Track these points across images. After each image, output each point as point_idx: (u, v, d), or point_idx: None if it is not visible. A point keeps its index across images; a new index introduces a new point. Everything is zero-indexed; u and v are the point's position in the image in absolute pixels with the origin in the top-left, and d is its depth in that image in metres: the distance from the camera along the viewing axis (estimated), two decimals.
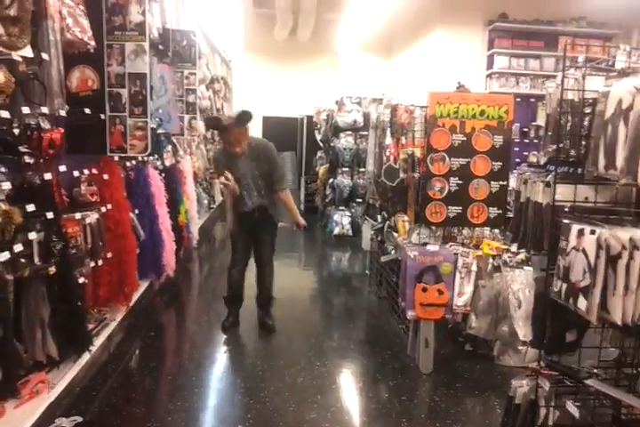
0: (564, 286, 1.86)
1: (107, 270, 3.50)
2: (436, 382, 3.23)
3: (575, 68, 2.07)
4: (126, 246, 3.67)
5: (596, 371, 2.05)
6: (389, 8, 8.17)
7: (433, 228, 3.60)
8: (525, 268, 3.31)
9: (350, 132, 7.59)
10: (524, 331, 3.21)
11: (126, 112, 3.54)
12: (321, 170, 8.57)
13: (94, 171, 3.44)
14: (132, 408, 2.82)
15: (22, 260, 2.48)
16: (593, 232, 1.73)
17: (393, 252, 4.05)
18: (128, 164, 4.08)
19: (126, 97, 3.51)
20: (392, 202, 4.41)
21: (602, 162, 1.82)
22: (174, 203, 5.01)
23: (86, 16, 3.02)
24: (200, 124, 6.66)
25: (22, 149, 2.52)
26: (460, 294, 3.36)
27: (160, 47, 4.84)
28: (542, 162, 2.42)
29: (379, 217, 5.02)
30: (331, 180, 7.80)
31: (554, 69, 7.54)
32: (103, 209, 3.39)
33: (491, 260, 3.37)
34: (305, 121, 9.98)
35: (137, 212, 4.02)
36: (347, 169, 7.59)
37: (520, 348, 3.36)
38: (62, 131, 2.75)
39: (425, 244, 3.47)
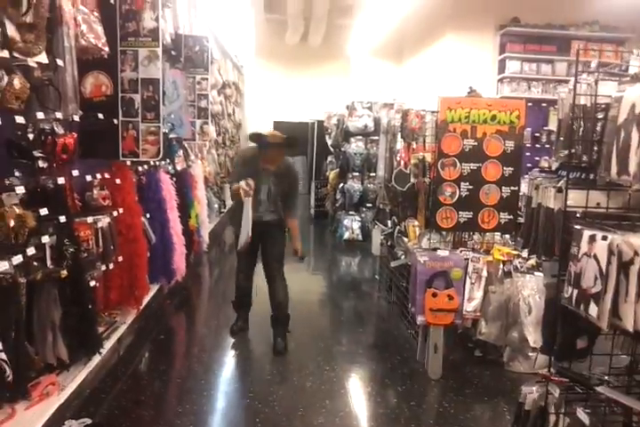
0: (575, 292, 1.85)
1: (118, 274, 3.52)
2: (445, 388, 3.21)
3: (588, 73, 2.06)
4: (137, 250, 3.70)
5: (606, 378, 2.03)
6: (400, 13, 8.18)
7: (443, 233, 3.59)
8: (536, 273, 3.29)
9: (361, 137, 7.59)
10: (534, 337, 3.18)
11: (139, 117, 3.56)
12: (331, 174, 8.58)
13: (106, 175, 3.47)
14: (141, 411, 2.83)
15: (35, 263, 2.51)
16: (605, 238, 1.72)
17: (403, 257, 4.05)
18: (140, 168, 4.11)
19: (139, 102, 3.54)
20: (402, 207, 4.40)
21: (614, 168, 1.80)
22: (185, 207, 5.04)
23: (100, 22, 3.05)
24: (211, 129, 6.71)
25: (36, 153, 2.55)
26: (470, 300, 3.34)
27: (172, 53, 4.89)
28: (554, 167, 2.40)
29: (389, 222, 5.02)
30: (341, 184, 7.81)
31: (566, 74, 7.50)
32: (115, 213, 3.42)
33: (501, 265, 3.35)
34: (316, 126, 10.01)
35: (148, 216, 4.05)
36: (357, 174, 7.59)
37: (530, 354, 3.33)
38: (76, 136, 2.78)
39: (435, 249, 3.46)
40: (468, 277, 3.34)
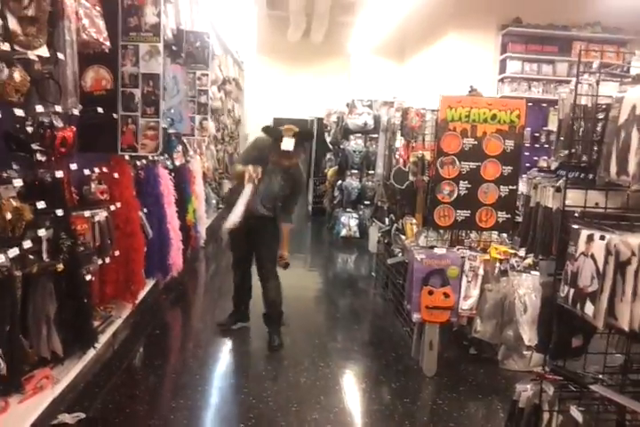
0: (572, 291, 1.85)
1: (114, 268, 3.52)
2: (439, 386, 3.22)
3: (589, 73, 2.06)
4: (134, 245, 3.69)
5: (601, 377, 2.03)
6: (403, 12, 8.17)
7: (441, 231, 3.60)
8: (532, 272, 3.30)
9: (360, 135, 7.60)
10: (529, 335, 3.19)
11: (139, 112, 3.56)
12: (330, 172, 8.58)
13: (105, 169, 3.46)
14: (136, 406, 2.83)
15: (31, 256, 2.50)
16: (602, 238, 1.72)
17: (400, 254, 4.05)
18: (138, 163, 4.10)
19: (139, 97, 3.53)
20: (400, 205, 4.41)
21: (614, 168, 1.80)
22: (183, 202, 5.03)
23: (102, 17, 3.04)
24: (211, 125, 6.70)
25: (35, 146, 2.54)
26: (466, 298, 3.34)
27: (173, 48, 4.88)
28: (553, 167, 2.40)
29: (386, 219, 5.02)
30: (339, 182, 7.81)
31: (567, 75, 7.51)
32: (112, 207, 3.41)
33: (498, 264, 3.36)
34: (315, 123, 10.00)
35: (146, 210, 4.04)
36: (355, 171, 7.60)
37: (525, 352, 3.34)
38: (75, 129, 2.77)
39: (432, 247, 3.46)
40: (464, 276, 3.35)
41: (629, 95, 1.78)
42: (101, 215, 3.23)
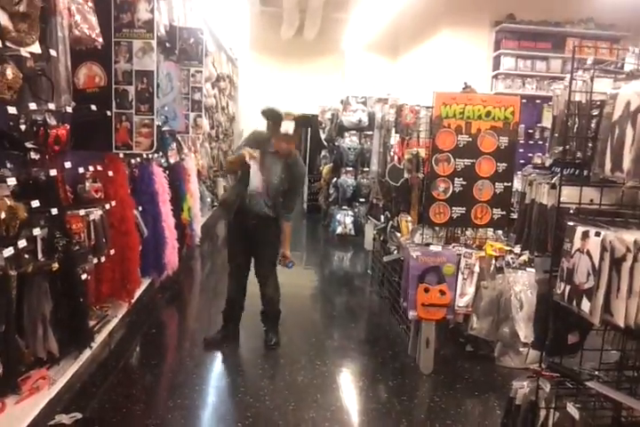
0: (568, 287, 1.86)
1: (109, 267, 3.50)
2: (436, 383, 3.23)
3: (583, 69, 2.07)
4: (129, 243, 3.68)
5: (597, 373, 2.05)
6: (396, 8, 8.15)
7: (436, 228, 3.60)
8: (528, 269, 3.32)
9: (355, 132, 7.60)
10: (525, 332, 3.21)
11: (133, 109, 3.54)
12: (325, 169, 8.57)
13: (99, 167, 3.45)
14: (132, 405, 2.82)
15: (26, 255, 2.49)
16: (598, 234, 1.72)
17: (395, 252, 4.05)
18: (132, 161, 4.09)
19: (133, 94, 3.51)
20: (396, 202, 4.41)
21: (608, 164, 1.81)
22: (178, 200, 5.02)
23: (94, 13, 3.01)
24: (205, 123, 6.67)
25: (28, 144, 2.53)
26: (462, 295, 3.35)
27: (167, 45, 4.85)
28: (548, 164, 2.41)
29: (382, 217, 5.02)
30: (334, 179, 7.81)
31: (560, 71, 7.52)
32: (107, 206, 3.40)
33: (493, 261, 3.37)
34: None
35: (141, 209, 4.02)
36: (350, 168, 7.60)
37: (521, 349, 3.35)
38: (68, 127, 2.75)
39: (428, 244, 3.47)
40: (460, 273, 3.36)
41: (623, 92, 1.79)
42: (96, 214, 3.21)
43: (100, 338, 3.20)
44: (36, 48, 2.41)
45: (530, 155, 7.07)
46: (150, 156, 4.25)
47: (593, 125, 1.99)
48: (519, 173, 3.38)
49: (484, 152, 3.45)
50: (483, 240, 3.61)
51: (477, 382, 3.25)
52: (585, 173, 2.04)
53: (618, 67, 2.11)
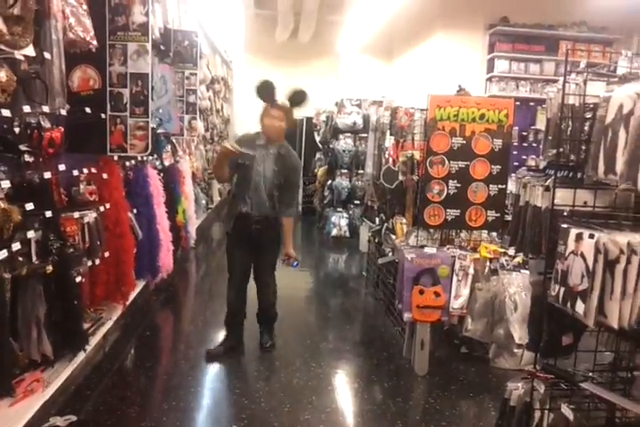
0: (562, 289, 1.87)
1: (104, 269, 3.49)
2: (431, 385, 3.24)
3: (577, 73, 2.08)
4: (124, 246, 3.67)
5: (591, 374, 2.06)
6: (391, 11, 8.19)
7: (431, 230, 3.61)
8: (522, 271, 3.33)
9: (349, 134, 7.61)
10: (519, 334, 3.22)
11: (127, 112, 3.54)
12: (320, 171, 8.58)
13: (93, 170, 3.43)
14: (127, 408, 2.81)
15: (20, 258, 2.48)
16: (591, 236, 1.74)
17: (390, 254, 4.06)
18: (127, 163, 4.08)
19: (127, 97, 3.51)
20: (390, 204, 4.42)
21: (601, 167, 1.82)
22: (172, 203, 5.01)
23: (89, 16, 3.01)
24: (200, 125, 6.67)
25: (22, 147, 2.52)
26: (457, 297, 3.36)
27: (161, 47, 4.85)
28: (542, 166, 2.43)
29: (377, 219, 5.03)
30: (329, 181, 7.82)
31: (554, 73, 7.57)
32: (102, 208, 3.39)
33: (488, 263, 3.38)
34: (304, 122, 9.99)
35: (135, 211, 4.02)
36: (345, 171, 7.60)
37: (515, 351, 3.36)
38: (62, 130, 2.75)
39: (423, 246, 3.48)
40: (454, 275, 3.36)
41: (616, 95, 1.80)
42: (91, 216, 3.21)
43: (94, 341, 3.19)
44: (30, 51, 2.41)
45: (524, 157, 7.10)
46: (145, 158, 4.24)
47: (586, 128, 2.00)
48: (513, 175, 3.40)
49: (479, 154, 3.47)
50: (477, 242, 3.62)
51: (472, 383, 3.26)
52: (578, 175, 2.05)
53: (610, 70, 2.13)
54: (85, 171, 3.34)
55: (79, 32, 2.89)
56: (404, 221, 4.01)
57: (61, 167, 2.93)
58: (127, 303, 3.80)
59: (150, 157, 4.46)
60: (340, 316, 4.57)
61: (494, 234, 3.73)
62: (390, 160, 4.66)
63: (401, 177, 4.04)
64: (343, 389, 3.20)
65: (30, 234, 2.52)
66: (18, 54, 2.34)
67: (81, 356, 2.96)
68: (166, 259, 4.52)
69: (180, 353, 3.60)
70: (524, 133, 7.62)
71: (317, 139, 8.99)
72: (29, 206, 2.50)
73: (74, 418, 2.57)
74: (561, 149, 2.09)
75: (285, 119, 3.40)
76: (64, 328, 2.81)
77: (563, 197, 2.03)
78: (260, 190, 3.35)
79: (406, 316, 3.36)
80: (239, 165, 3.33)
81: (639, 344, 2.02)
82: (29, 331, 2.62)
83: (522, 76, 7.73)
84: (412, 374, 3.34)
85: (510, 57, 7.70)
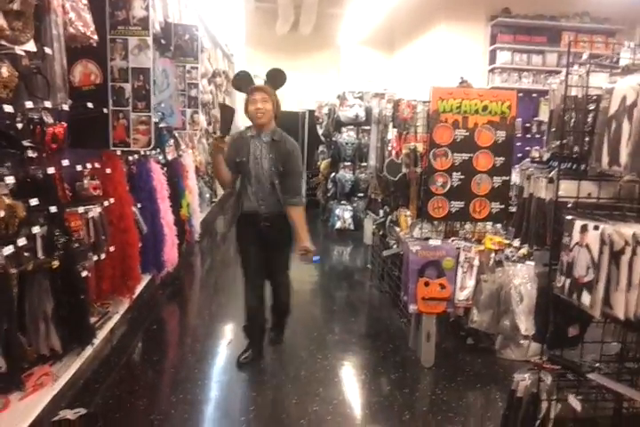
0: (568, 281, 1.87)
1: (110, 264, 3.51)
2: (437, 376, 3.25)
3: (579, 64, 2.07)
4: (129, 240, 3.69)
5: (598, 365, 2.06)
6: (392, 3, 8.14)
7: (435, 222, 3.61)
8: (527, 262, 3.33)
9: (352, 127, 7.59)
10: (525, 325, 3.22)
11: (129, 106, 3.53)
12: (323, 164, 8.57)
13: (97, 165, 3.44)
14: (136, 400, 2.83)
15: (26, 254, 2.50)
16: (596, 228, 1.74)
17: (395, 246, 4.06)
18: (130, 158, 4.08)
19: (129, 91, 3.50)
20: (394, 196, 4.41)
21: (605, 158, 1.82)
22: (176, 197, 5.02)
23: (89, 10, 3.00)
24: (202, 119, 6.66)
25: (25, 143, 2.53)
26: (462, 289, 3.36)
27: (162, 41, 4.84)
28: (545, 158, 2.42)
29: (380, 211, 5.03)
30: (332, 174, 7.81)
31: (556, 65, 7.53)
32: (106, 203, 3.40)
33: (493, 254, 3.38)
34: (307, 115, 9.96)
35: (139, 206, 4.03)
36: (348, 163, 7.59)
37: (521, 342, 3.37)
38: (65, 125, 2.75)
39: (427, 238, 3.48)
40: (459, 267, 3.37)
41: (619, 86, 1.80)
42: (95, 211, 3.22)
43: (101, 334, 3.22)
44: (30, 46, 2.41)
45: (527, 148, 7.09)
46: (148, 152, 4.24)
47: (589, 120, 2.00)
48: (517, 166, 3.40)
49: (482, 146, 3.46)
50: (482, 234, 3.62)
51: (479, 374, 3.27)
52: (582, 167, 2.05)
53: (613, 61, 2.12)
54: (89, 166, 3.35)
55: (79, 27, 2.88)
56: (408, 213, 4.00)
57: (65, 162, 2.94)
58: (133, 297, 3.82)
59: (153, 152, 4.46)
60: (345, 308, 4.59)
61: (499, 226, 3.72)
62: (393, 153, 4.65)
63: (404, 169, 4.03)
64: (350, 381, 3.22)
65: (35, 229, 2.53)
66: (19, 50, 2.34)
67: (89, 350, 2.99)
68: (171, 253, 4.54)
69: (187, 346, 3.62)
70: (528, 125, 7.59)
71: (320, 132, 8.97)
72: (34, 202, 2.51)
73: (83, 411, 2.58)
74: (564, 141, 2.08)
75: (270, 101, 3.16)
76: (71, 323, 2.83)
77: (567, 188, 2.03)
78: (263, 183, 3.16)
79: (412, 308, 3.36)
80: (238, 163, 3.17)
81: None
82: (37, 326, 2.64)
83: (524, 68, 7.70)
84: (419, 365, 3.35)
85: (512, 48, 7.66)
